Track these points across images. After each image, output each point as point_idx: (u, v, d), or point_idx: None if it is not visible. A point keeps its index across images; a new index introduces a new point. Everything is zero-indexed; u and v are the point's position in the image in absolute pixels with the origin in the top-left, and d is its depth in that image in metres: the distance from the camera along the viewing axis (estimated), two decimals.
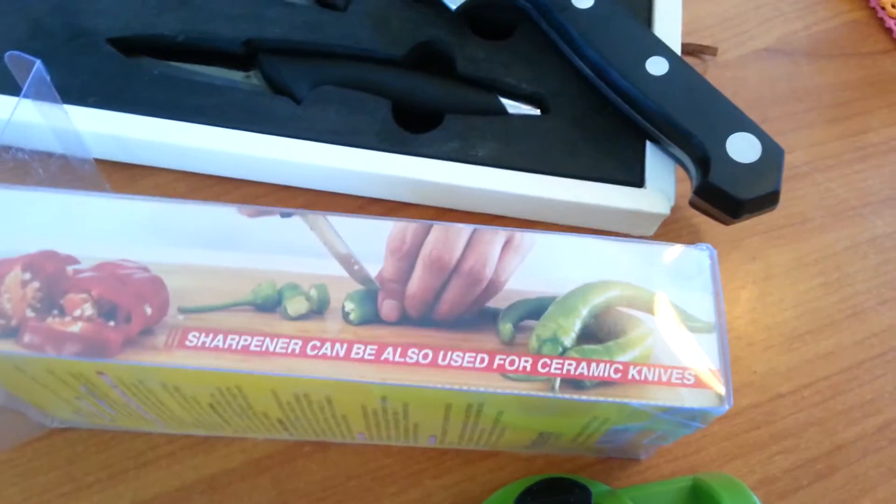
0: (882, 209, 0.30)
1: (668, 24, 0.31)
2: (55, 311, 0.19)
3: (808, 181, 0.30)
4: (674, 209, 0.27)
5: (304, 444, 0.24)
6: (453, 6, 0.29)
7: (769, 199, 0.25)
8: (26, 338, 0.19)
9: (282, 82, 0.29)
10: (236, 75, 0.30)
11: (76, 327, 0.19)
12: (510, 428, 0.22)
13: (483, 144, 0.28)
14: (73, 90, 0.28)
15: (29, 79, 0.24)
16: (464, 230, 0.20)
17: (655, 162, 0.28)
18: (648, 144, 0.28)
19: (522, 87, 0.29)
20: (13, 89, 0.28)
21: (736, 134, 0.26)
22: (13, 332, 0.19)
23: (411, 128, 0.29)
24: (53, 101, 0.25)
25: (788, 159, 0.30)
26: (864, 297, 0.27)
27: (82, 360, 0.19)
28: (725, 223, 0.26)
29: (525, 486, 0.22)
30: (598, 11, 0.28)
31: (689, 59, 0.32)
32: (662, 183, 0.28)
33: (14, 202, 0.20)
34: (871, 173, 0.30)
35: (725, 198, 0.25)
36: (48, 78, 0.24)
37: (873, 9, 0.34)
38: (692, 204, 0.27)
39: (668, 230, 0.29)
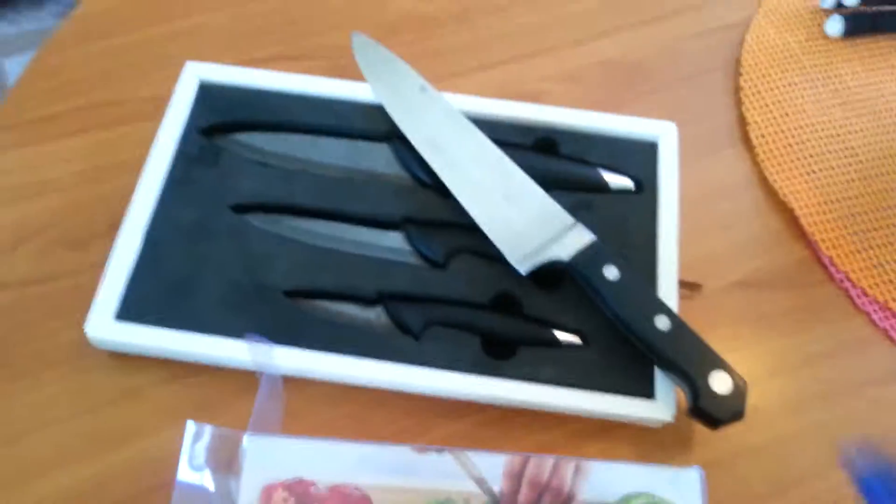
0: None
1: (668, 265, 0.45)
2: None
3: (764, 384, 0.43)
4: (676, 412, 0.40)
5: None
6: (522, 271, 0.43)
7: (738, 416, 0.38)
8: None
9: (403, 322, 0.43)
10: (370, 313, 0.44)
11: None
12: None
13: (545, 369, 0.41)
14: (262, 332, 0.42)
15: (266, 372, 0.37)
16: (550, 460, 0.33)
17: (662, 383, 0.41)
18: (656, 370, 0.41)
19: (570, 325, 0.43)
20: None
21: (715, 371, 0.39)
22: None
23: (495, 354, 0.42)
24: (272, 350, 0.38)
25: (754, 372, 0.43)
26: None
27: None
28: (710, 428, 0.39)
29: None
30: (622, 282, 0.41)
31: (683, 291, 0.46)
32: (667, 397, 0.41)
33: (275, 445, 0.33)
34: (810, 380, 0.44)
35: (709, 416, 0.38)
36: (270, 347, 0.37)
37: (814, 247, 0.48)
38: (688, 414, 0.40)
39: (672, 427, 0.42)
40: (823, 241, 0.48)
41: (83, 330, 0.41)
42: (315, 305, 0.43)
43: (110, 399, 0.41)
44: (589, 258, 0.42)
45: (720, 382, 0.39)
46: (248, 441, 0.33)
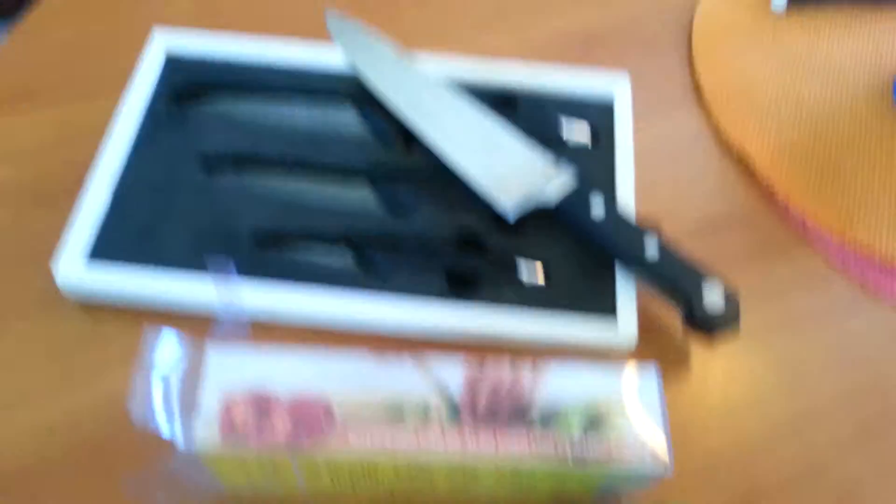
0: None
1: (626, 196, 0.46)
2: (267, 425, 0.32)
3: None
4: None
5: None
6: (511, 218, 0.44)
7: (734, 323, 0.40)
8: (251, 442, 0.31)
9: (369, 263, 0.43)
10: (337, 257, 0.44)
11: (281, 434, 0.32)
12: (538, 484, 0.34)
13: (508, 302, 0.42)
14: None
15: (226, 277, 0.38)
16: (507, 362, 0.34)
17: (624, 311, 0.42)
18: (618, 299, 0.42)
19: (531, 259, 0.44)
20: None
21: (707, 282, 0.40)
22: (242, 439, 0.31)
23: (459, 292, 0.43)
24: (236, 284, 0.39)
25: None
26: None
27: (287, 454, 0.31)
28: (708, 341, 0.41)
29: None
30: (609, 219, 0.43)
31: None
32: (629, 326, 0.42)
33: (237, 354, 0.33)
34: None
35: (706, 323, 0.40)
36: (235, 273, 0.38)
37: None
38: (685, 326, 0.41)
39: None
40: (779, 181, 0.49)
41: (52, 278, 0.42)
42: (282, 252, 0.44)
43: (79, 346, 0.42)
44: (575, 201, 0.44)
45: (713, 292, 0.40)
46: (211, 349, 0.33)
